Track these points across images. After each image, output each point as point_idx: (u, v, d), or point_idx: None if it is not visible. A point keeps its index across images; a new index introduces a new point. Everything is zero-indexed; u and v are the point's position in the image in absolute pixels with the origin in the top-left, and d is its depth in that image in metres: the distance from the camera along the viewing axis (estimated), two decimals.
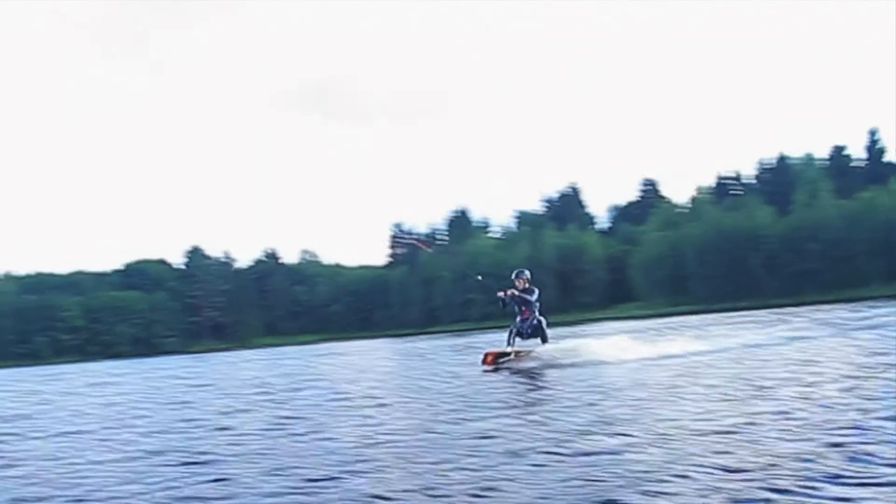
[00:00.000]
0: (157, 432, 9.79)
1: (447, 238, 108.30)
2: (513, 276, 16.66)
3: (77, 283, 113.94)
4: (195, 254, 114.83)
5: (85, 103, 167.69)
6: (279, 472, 6.39)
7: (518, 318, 16.38)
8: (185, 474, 6.65)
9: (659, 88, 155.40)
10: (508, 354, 16.31)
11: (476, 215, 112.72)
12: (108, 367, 48.78)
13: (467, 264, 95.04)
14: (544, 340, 16.40)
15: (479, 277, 18.05)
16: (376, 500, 5.26)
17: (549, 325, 16.56)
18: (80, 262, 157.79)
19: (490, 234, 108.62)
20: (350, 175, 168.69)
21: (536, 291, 16.45)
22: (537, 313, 16.37)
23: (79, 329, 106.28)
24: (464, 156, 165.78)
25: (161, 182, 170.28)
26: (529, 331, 16.33)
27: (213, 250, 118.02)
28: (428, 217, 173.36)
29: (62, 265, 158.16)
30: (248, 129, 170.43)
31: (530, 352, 16.26)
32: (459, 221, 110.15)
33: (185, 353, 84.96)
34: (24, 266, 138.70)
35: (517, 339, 16.47)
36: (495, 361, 16.25)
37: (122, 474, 6.84)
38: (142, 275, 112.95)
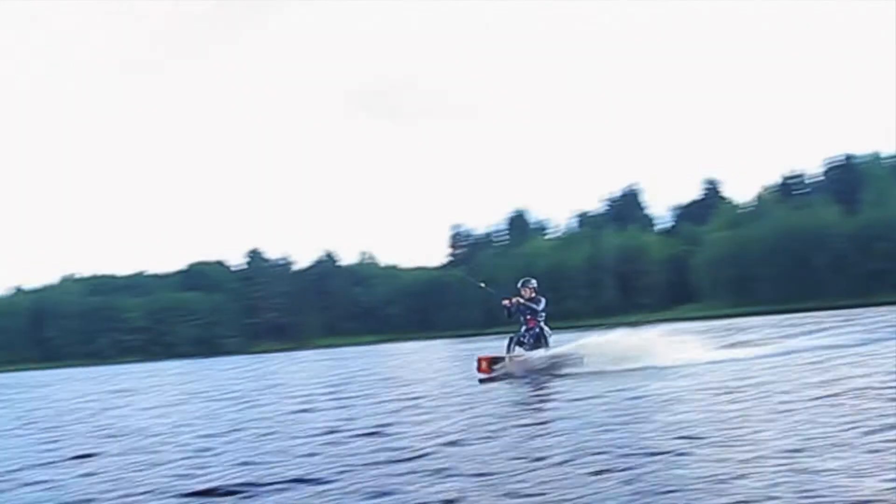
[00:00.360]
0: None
1: (506, 239, 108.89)
2: (519, 284, 16.45)
3: (139, 284, 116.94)
4: (255, 255, 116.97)
5: (146, 105, 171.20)
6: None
7: (523, 328, 16.20)
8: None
9: (722, 86, 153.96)
10: (502, 360, 16.10)
11: (535, 216, 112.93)
12: (201, 365, 50.35)
13: (525, 265, 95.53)
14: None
15: (482, 285, 18.04)
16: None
17: (552, 332, 16.35)
18: (143, 264, 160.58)
19: (548, 235, 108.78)
20: (408, 176, 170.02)
21: (543, 301, 16.22)
22: (542, 323, 16.17)
23: (141, 329, 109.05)
24: (523, 156, 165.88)
25: (221, 184, 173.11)
26: (532, 340, 16.09)
27: (273, 252, 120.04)
28: (486, 218, 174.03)
29: (125, 267, 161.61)
30: (307, 132, 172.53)
31: (526, 358, 15.93)
32: (517, 222, 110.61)
33: (246, 354, 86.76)
34: (87, 268, 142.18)
35: (517, 349, 16.24)
36: (490, 368, 16.07)
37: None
38: (202, 276, 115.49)
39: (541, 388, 13.19)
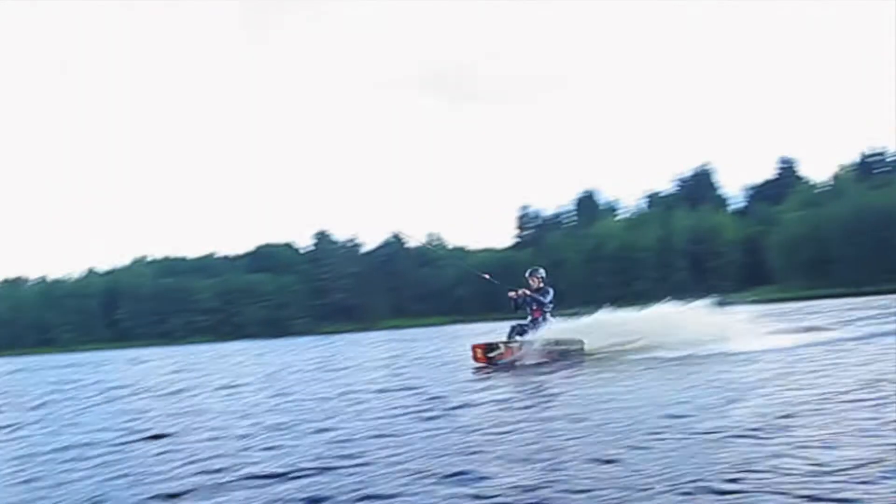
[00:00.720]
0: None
1: (575, 220, 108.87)
2: (527, 273, 16.38)
3: (209, 266, 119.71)
4: (323, 237, 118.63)
5: (213, 89, 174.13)
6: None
7: (529, 319, 16.00)
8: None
9: (800, 62, 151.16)
10: (498, 347, 15.82)
11: (604, 197, 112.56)
12: (275, 344, 51.71)
13: (594, 246, 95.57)
14: None
15: (487, 276, 18.03)
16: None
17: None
18: (213, 246, 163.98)
19: (618, 216, 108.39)
20: (476, 158, 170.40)
21: (551, 291, 16.01)
22: (549, 314, 15.92)
23: (212, 311, 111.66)
24: (592, 137, 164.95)
25: (290, 167, 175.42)
26: (533, 331, 15.81)
27: (341, 234, 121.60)
28: (555, 199, 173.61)
29: (195, 249, 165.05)
30: (376, 113, 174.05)
31: (521, 344, 15.63)
32: (586, 203, 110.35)
33: (314, 335, 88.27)
34: (159, 251, 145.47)
35: (517, 338, 15.90)
36: (486, 356, 15.81)
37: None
38: (271, 258, 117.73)
39: (558, 377, 12.67)
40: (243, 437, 8.21)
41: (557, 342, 15.37)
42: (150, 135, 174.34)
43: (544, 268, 16.59)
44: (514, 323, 16.20)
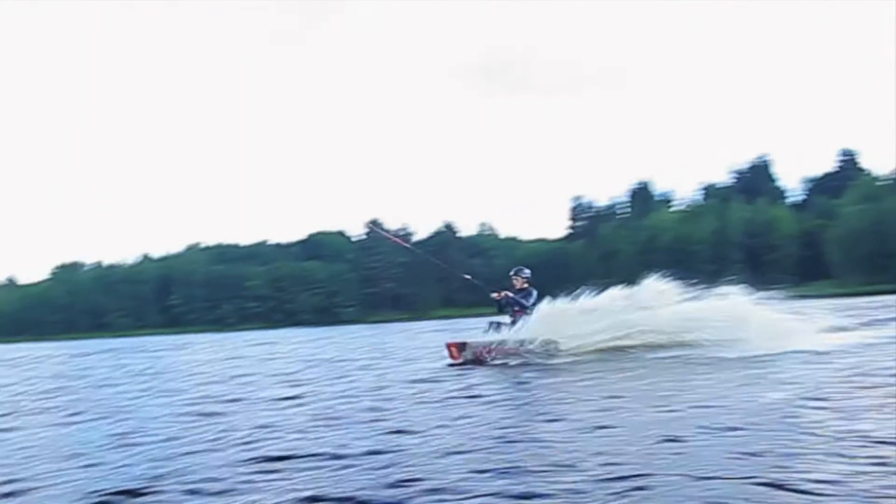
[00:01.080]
0: None
1: (629, 211, 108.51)
2: (511, 273, 16.30)
3: (261, 253, 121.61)
4: (374, 226, 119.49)
5: (270, 76, 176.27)
6: None
7: (510, 319, 15.85)
8: None
9: (861, 52, 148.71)
10: (470, 345, 15.78)
11: (659, 188, 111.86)
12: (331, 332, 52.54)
13: (648, 238, 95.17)
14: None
15: (468, 277, 18.11)
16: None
17: None
18: (265, 233, 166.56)
19: (673, 208, 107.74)
20: (529, 148, 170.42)
21: (534, 293, 15.85)
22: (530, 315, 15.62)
23: (263, 298, 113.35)
24: (647, 127, 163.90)
25: (342, 155, 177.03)
26: (511, 329, 15.64)
27: (392, 223, 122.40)
28: (609, 190, 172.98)
29: (248, 237, 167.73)
30: (428, 103, 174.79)
31: (493, 344, 15.43)
32: (641, 194, 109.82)
33: (364, 323, 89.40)
34: (212, 237, 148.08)
35: (491, 337, 15.78)
36: (460, 354, 15.76)
37: None
38: (322, 246, 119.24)
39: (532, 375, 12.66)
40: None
41: (531, 342, 15.14)
42: (206, 122, 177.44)
43: (529, 268, 16.61)
44: (491, 319, 16.28)
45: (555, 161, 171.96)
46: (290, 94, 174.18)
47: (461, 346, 15.85)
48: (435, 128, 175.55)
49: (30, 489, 5.87)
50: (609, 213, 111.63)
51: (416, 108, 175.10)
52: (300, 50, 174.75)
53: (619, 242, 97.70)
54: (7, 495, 5.79)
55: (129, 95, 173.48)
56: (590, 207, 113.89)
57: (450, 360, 15.73)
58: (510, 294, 15.92)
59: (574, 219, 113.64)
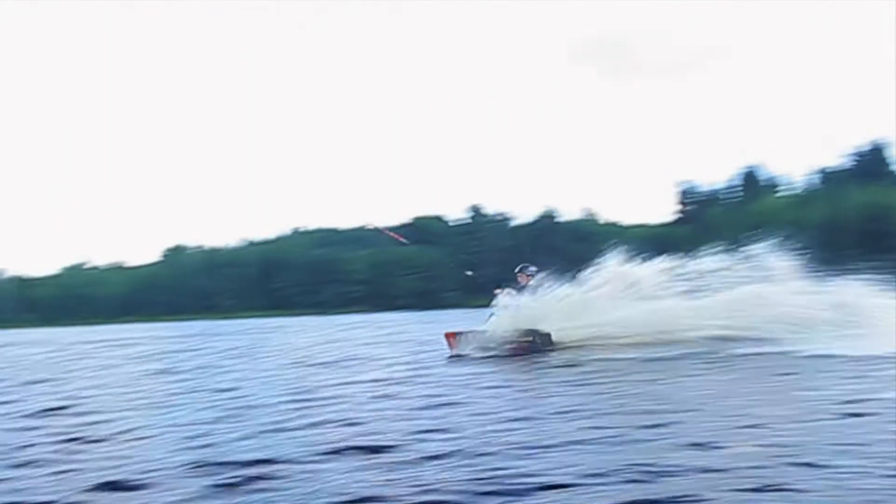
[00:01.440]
0: None
1: (738, 196, 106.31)
2: (516, 270, 16.72)
3: (362, 238, 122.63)
4: (475, 210, 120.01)
5: (372, 60, 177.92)
6: None
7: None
8: None
9: None
10: (465, 336, 16.08)
11: (769, 172, 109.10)
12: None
13: (758, 224, 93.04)
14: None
15: (469, 273, 18.47)
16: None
17: None
18: (366, 218, 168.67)
19: (784, 193, 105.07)
20: (634, 131, 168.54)
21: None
22: None
23: (364, 282, 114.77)
24: (755, 110, 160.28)
25: (443, 139, 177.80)
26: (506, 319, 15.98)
27: (493, 207, 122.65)
28: (717, 174, 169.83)
29: (349, 221, 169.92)
30: (530, 86, 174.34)
31: (480, 333, 15.82)
32: (750, 179, 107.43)
33: (465, 308, 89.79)
34: (313, 222, 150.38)
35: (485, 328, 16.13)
36: (457, 344, 16.03)
37: None
38: (423, 231, 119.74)
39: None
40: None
41: (525, 332, 15.53)
42: (305, 105, 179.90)
43: (535, 265, 16.71)
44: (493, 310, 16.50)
45: (661, 144, 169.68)
46: (393, 77, 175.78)
47: (458, 336, 16.21)
48: (537, 111, 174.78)
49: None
50: (716, 197, 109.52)
51: (518, 91, 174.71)
52: (400, 27, 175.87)
53: (727, 228, 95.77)
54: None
55: (228, 77, 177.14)
56: (696, 192, 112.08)
57: (449, 352, 16.01)
58: (511, 290, 16.42)
59: (680, 204, 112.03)
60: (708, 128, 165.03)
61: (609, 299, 15.67)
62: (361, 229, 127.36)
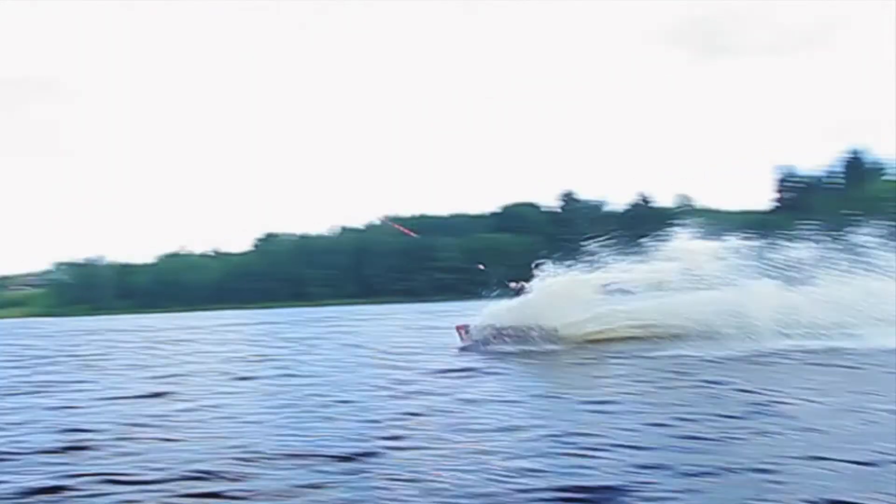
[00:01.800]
0: None
1: (841, 182, 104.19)
2: (533, 265, 17.78)
3: (455, 225, 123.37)
4: (568, 197, 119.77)
5: (464, 50, 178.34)
6: None
7: None
8: None
9: None
10: (471, 326, 16.89)
11: (875, 156, 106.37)
12: None
13: (864, 211, 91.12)
14: None
15: (481, 267, 18.56)
16: None
17: None
18: (460, 205, 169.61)
19: (891, 177, 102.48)
20: (729, 114, 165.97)
21: None
22: None
23: (456, 269, 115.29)
24: (858, 91, 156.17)
25: (536, 125, 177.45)
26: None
27: (587, 194, 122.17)
28: (816, 158, 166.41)
29: (441, 208, 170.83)
30: (622, 69, 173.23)
31: (486, 327, 16.55)
32: (853, 163, 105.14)
33: None
34: (408, 209, 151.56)
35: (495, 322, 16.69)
36: (467, 335, 17.08)
37: None
38: (516, 218, 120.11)
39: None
40: None
41: (530, 328, 16.30)
42: (400, 94, 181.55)
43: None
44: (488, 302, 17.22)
45: (757, 128, 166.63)
46: (485, 61, 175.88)
47: (467, 329, 17.33)
48: (630, 95, 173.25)
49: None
50: (817, 183, 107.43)
51: (610, 75, 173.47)
52: (497, 17, 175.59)
53: (830, 216, 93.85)
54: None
55: (323, 67, 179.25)
56: (796, 177, 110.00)
57: (460, 344, 16.88)
58: (525, 284, 17.76)
59: (780, 190, 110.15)
60: (808, 110, 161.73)
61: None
62: (455, 216, 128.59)
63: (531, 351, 15.42)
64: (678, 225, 16.83)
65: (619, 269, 16.06)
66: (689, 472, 5.87)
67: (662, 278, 15.71)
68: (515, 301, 16.92)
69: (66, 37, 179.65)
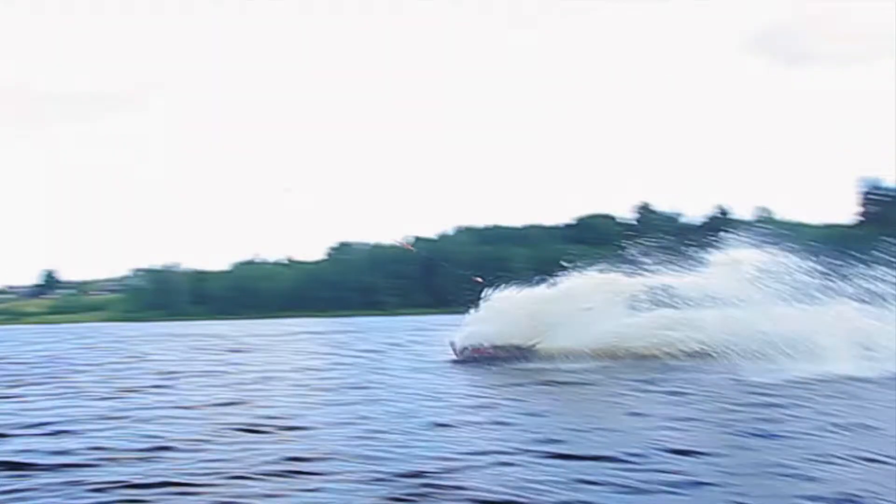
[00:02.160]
0: None
1: None
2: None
3: (528, 235, 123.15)
4: (644, 209, 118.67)
5: (531, 61, 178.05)
6: None
7: None
8: None
9: None
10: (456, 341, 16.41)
11: None
12: None
13: None
14: None
15: (479, 279, 18.27)
16: None
17: None
18: (534, 216, 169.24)
19: None
20: (811, 123, 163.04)
21: None
22: None
23: (528, 280, 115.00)
24: None
25: (614, 135, 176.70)
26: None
27: (663, 206, 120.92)
28: None
29: (515, 219, 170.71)
30: (701, 78, 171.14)
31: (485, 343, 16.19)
32: None
33: None
34: (481, 219, 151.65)
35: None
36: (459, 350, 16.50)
37: None
38: (590, 229, 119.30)
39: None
40: None
41: (511, 345, 16.49)
42: (469, 102, 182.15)
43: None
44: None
45: (843, 138, 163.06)
46: (561, 73, 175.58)
47: (453, 343, 17.60)
48: (708, 104, 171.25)
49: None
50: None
51: (688, 83, 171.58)
52: (573, 25, 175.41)
53: None
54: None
55: (399, 75, 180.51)
56: (882, 190, 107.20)
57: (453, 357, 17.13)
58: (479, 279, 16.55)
59: (864, 203, 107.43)
60: (894, 119, 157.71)
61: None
62: (529, 227, 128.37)
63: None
64: (733, 233, 16.21)
65: (663, 275, 15.40)
66: None
67: (707, 288, 14.98)
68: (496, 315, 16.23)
69: (146, 47, 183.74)
